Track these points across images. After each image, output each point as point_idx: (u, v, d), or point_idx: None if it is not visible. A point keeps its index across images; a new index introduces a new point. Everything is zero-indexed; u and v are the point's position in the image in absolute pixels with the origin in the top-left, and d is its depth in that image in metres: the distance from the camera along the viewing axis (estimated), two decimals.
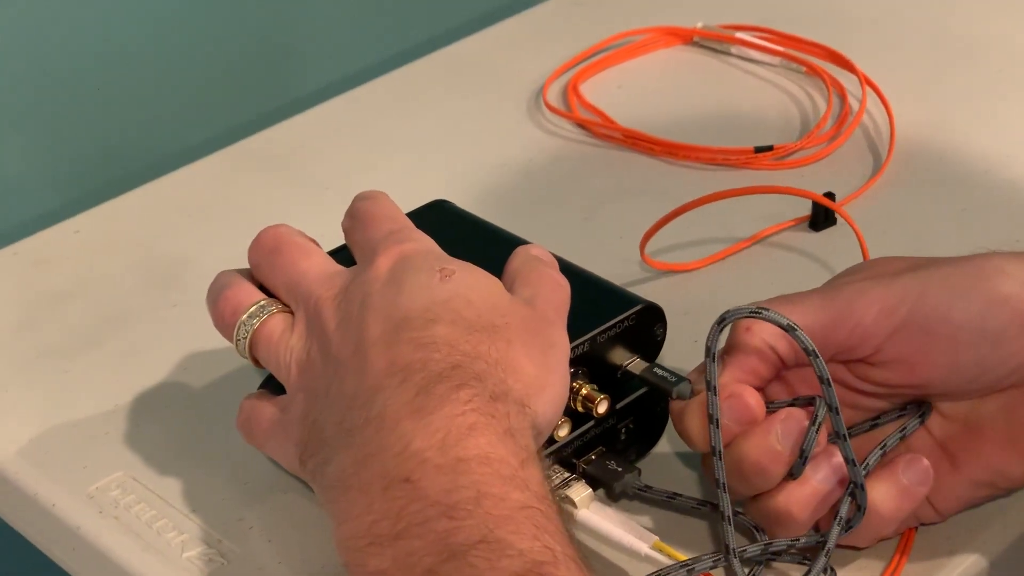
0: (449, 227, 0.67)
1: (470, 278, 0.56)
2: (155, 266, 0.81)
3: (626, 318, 0.61)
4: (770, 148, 0.85)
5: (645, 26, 0.99)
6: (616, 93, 0.94)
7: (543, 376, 0.55)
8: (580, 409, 0.60)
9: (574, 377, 0.59)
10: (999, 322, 0.55)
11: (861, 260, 0.66)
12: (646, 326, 0.62)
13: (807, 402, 0.58)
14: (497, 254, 0.64)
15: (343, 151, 0.91)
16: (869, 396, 0.59)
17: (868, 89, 0.90)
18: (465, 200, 0.70)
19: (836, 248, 0.77)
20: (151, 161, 0.93)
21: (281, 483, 0.65)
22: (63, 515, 0.65)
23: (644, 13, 1.01)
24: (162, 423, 0.69)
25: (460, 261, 0.58)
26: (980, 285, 0.56)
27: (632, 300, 0.62)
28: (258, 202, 0.87)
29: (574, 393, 0.59)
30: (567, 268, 0.62)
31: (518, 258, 0.60)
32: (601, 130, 0.90)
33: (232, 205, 0.86)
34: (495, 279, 0.58)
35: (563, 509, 0.56)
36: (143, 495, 0.65)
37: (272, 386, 0.61)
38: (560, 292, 0.58)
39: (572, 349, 0.58)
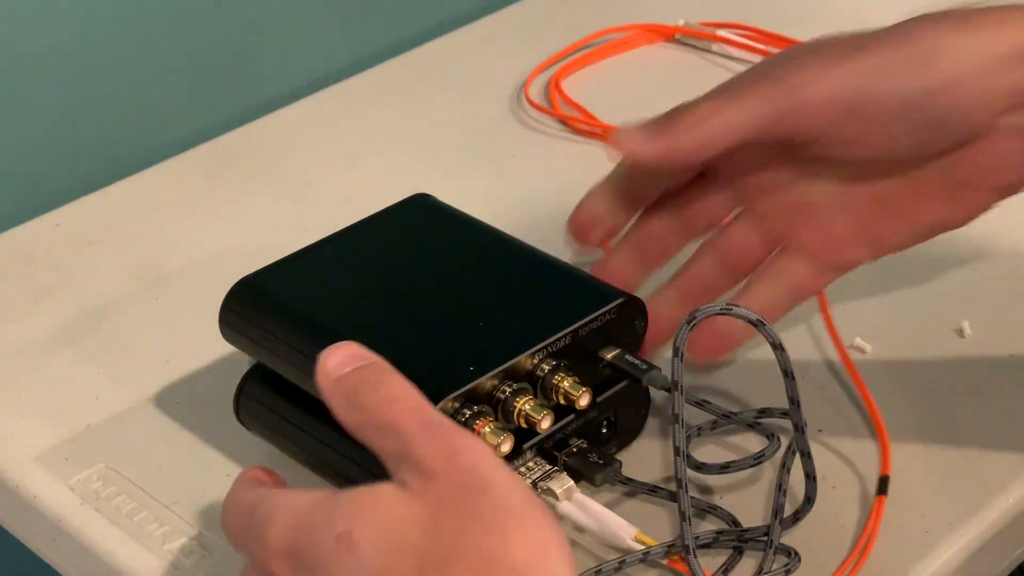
0: (430, 222, 0.68)
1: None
2: (136, 260, 0.81)
3: (607, 311, 0.61)
4: None
5: (627, 23, 0.99)
6: (598, 90, 0.94)
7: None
8: (562, 402, 0.60)
9: (555, 370, 0.59)
10: (942, 107, 0.57)
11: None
12: (627, 319, 0.62)
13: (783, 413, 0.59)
14: (480, 249, 0.64)
15: (325, 147, 0.91)
16: (808, 177, 0.61)
17: None
18: (447, 195, 0.70)
19: None
20: (132, 155, 0.93)
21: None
22: (44, 507, 0.65)
23: (626, 10, 1.01)
24: (144, 416, 0.69)
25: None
26: (923, 72, 0.57)
27: (613, 294, 0.62)
28: (240, 197, 0.87)
29: (555, 386, 0.59)
30: (546, 260, 0.63)
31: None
32: (583, 126, 0.90)
33: (213, 200, 0.86)
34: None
35: None
36: (124, 487, 0.65)
37: (256, 377, 0.62)
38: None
39: (555, 342, 0.59)
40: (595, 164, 0.87)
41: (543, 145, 0.90)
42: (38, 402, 0.71)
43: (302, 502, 0.49)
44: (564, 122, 0.91)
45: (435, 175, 0.86)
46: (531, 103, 0.93)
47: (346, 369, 0.51)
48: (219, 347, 0.73)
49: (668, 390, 0.57)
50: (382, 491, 0.48)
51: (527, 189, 0.85)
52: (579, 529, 0.60)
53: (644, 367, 0.60)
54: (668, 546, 0.58)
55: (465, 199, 0.70)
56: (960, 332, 0.71)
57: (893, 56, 0.57)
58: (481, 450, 0.48)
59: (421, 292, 0.63)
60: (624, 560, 0.58)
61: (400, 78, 0.98)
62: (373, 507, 0.48)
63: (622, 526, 0.59)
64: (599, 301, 0.61)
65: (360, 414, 0.50)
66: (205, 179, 0.88)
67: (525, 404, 0.58)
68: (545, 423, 0.59)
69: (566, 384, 0.59)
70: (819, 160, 0.60)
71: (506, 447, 0.57)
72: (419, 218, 0.67)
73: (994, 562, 0.63)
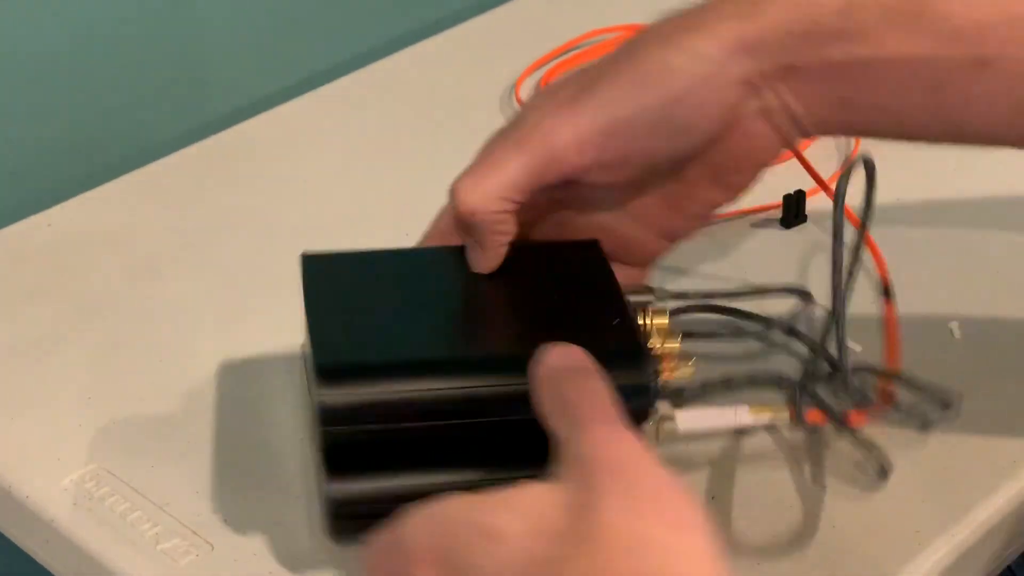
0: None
1: None
2: (129, 260, 0.81)
3: None
4: None
5: (617, 24, 1.00)
6: None
7: None
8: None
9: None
10: (682, 116, 0.60)
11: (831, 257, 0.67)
12: None
13: None
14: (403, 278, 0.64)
15: (317, 149, 0.91)
16: (591, 200, 0.65)
17: None
18: (437, 197, 0.70)
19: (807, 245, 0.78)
20: (124, 154, 0.93)
21: (255, 476, 0.65)
22: (37, 508, 0.65)
23: (615, 11, 1.02)
24: (137, 416, 0.69)
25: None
26: (656, 90, 0.60)
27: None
28: (234, 197, 0.87)
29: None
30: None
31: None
32: None
33: (206, 200, 0.86)
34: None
35: None
36: (117, 487, 0.65)
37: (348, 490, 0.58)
38: None
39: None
40: None
41: None
42: (31, 402, 0.71)
43: (437, 509, 0.48)
44: None
45: (426, 176, 0.86)
46: (521, 104, 0.93)
47: (563, 363, 0.52)
48: (211, 346, 0.73)
49: None
50: (525, 485, 0.48)
51: None
52: (701, 435, 0.64)
53: None
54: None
55: None
56: (950, 333, 0.71)
57: (625, 82, 0.60)
58: (634, 443, 0.48)
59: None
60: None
61: (390, 79, 0.98)
62: (515, 497, 0.47)
63: (735, 410, 0.63)
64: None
65: (555, 403, 0.51)
66: (198, 179, 0.88)
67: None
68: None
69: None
70: (594, 186, 0.63)
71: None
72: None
73: (984, 562, 0.63)
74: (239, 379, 0.71)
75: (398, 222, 0.70)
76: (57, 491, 0.65)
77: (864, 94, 0.59)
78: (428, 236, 0.67)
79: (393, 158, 0.90)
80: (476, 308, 0.64)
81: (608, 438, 0.48)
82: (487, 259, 0.62)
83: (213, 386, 0.71)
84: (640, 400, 0.58)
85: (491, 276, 0.63)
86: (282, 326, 0.74)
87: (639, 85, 0.60)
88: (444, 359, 0.59)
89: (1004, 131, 0.60)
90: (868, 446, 0.63)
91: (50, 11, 0.89)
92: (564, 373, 0.52)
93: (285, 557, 0.61)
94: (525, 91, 0.94)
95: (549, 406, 0.51)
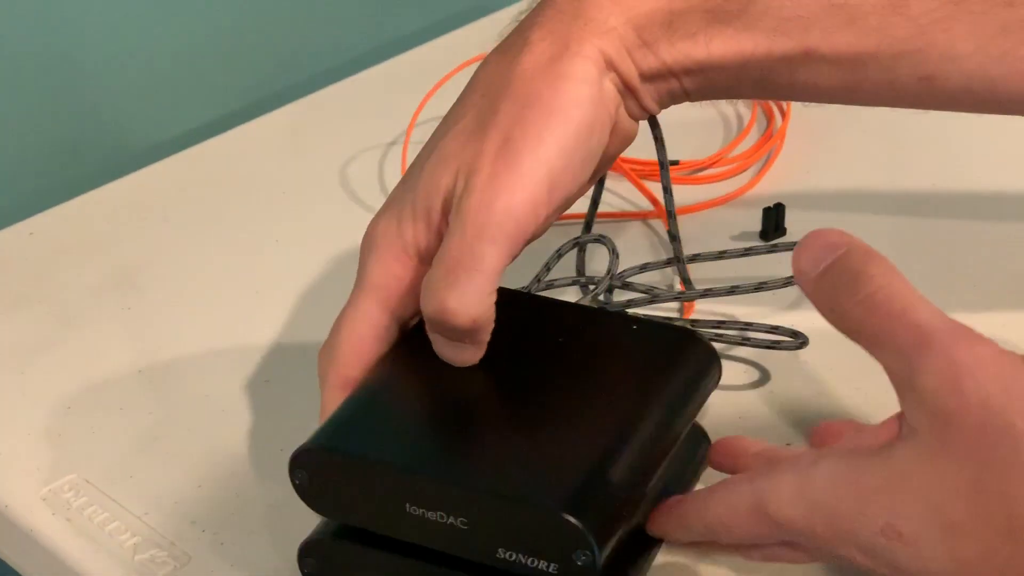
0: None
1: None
2: (110, 269, 0.81)
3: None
4: (675, 163, 0.86)
5: None
6: None
7: None
8: None
9: None
10: (596, 143, 0.60)
11: None
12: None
13: None
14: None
15: (300, 156, 0.92)
16: None
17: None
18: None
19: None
20: (105, 165, 0.93)
21: (235, 488, 0.65)
22: (15, 517, 0.65)
23: None
24: (116, 426, 0.69)
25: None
26: (570, 130, 0.59)
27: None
28: (215, 206, 0.87)
29: None
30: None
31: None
32: None
33: (188, 209, 0.87)
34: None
35: None
36: (96, 497, 0.65)
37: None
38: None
39: None
40: None
41: None
42: (10, 411, 0.71)
43: (813, 484, 0.50)
44: None
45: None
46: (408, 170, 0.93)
47: (822, 265, 0.50)
48: (191, 358, 0.74)
49: None
50: (902, 461, 0.47)
51: None
52: None
53: None
54: None
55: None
56: None
57: (541, 128, 0.58)
58: (983, 370, 0.45)
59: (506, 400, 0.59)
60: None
61: (343, 101, 0.98)
62: (904, 489, 0.46)
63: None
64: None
65: (849, 322, 0.50)
66: (180, 188, 0.89)
67: None
68: None
69: None
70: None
71: None
72: None
73: None
74: (220, 390, 0.71)
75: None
76: (35, 501, 0.65)
77: (703, 90, 0.62)
78: (342, 355, 0.60)
79: (382, 155, 0.90)
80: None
81: (951, 374, 0.45)
82: (480, 352, 0.59)
83: (193, 397, 0.71)
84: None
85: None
86: (262, 335, 0.75)
87: (555, 128, 0.58)
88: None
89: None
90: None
91: (30, 21, 0.89)
92: (828, 280, 0.50)
93: (261, 570, 0.61)
94: None
95: (846, 328, 0.50)
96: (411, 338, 0.61)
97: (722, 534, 0.54)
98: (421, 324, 0.60)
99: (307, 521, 0.61)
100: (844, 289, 0.50)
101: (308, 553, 0.57)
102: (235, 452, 0.67)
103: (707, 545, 0.57)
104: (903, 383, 0.48)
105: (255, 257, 0.82)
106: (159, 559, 0.62)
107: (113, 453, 0.68)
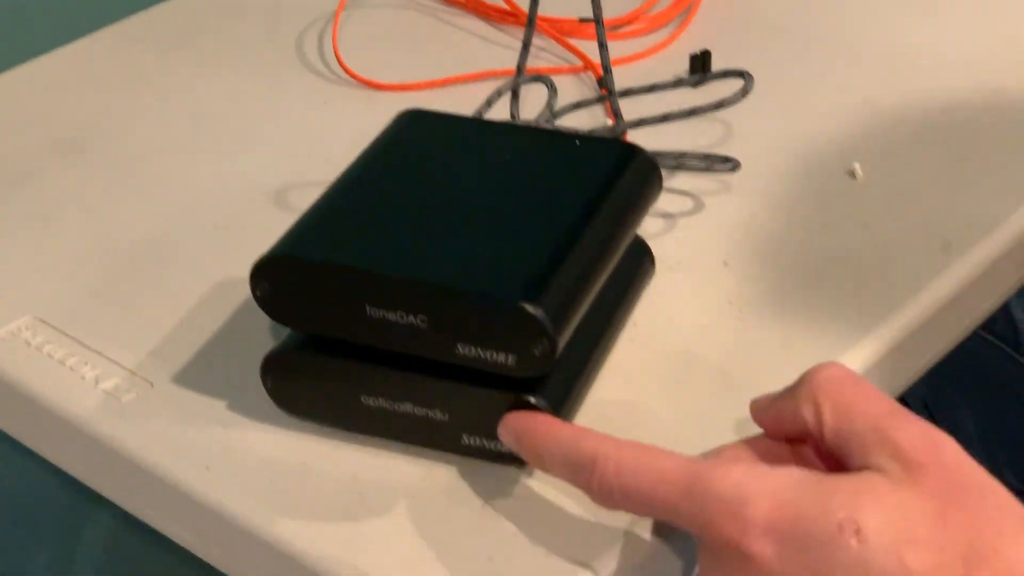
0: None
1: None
2: (51, 136, 0.82)
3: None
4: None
5: None
6: None
7: None
8: None
9: None
10: None
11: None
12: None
13: None
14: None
15: (243, 26, 0.93)
16: None
17: None
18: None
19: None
20: (47, 33, 0.93)
21: (190, 321, 0.67)
22: None
23: None
24: (68, 272, 0.71)
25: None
26: None
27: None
28: (158, 74, 0.88)
29: None
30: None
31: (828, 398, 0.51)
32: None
33: (130, 78, 0.88)
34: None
35: None
36: (53, 336, 0.66)
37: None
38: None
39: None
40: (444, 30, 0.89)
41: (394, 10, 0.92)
42: None
43: (779, 481, 0.48)
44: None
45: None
46: None
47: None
48: (139, 209, 0.75)
49: None
50: (873, 479, 0.48)
51: (378, 53, 0.88)
52: None
53: None
54: None
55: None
56: (852, 174, 0.75)
57: None
58: (956, 446, 0.48)
59: (471, 205, 0.60)
60: None
61: None
62: (874, 494, 0.47)
63: None
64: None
65: (839, 407, 0.51)
66: (126, 57, 0.90)
67: None
68: None
69: None
70: None
71: None
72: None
73: (894, 378, 0.67)
74: (169, 237, 0.73)
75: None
76: None
77: None
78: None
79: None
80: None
81: (928, 439, 0.48)
82: None
83: (143, 244, 0.72)
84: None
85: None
86: (208, 185, 0.77)
87: None
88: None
89: None
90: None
91: None
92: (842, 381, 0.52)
93: (223, 391, 0.62)
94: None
95: (833, 412, 0.51)
96: (374, 151, 0.63)
97: (615, 483, 0.51)
98: (390, 132, 0.62)
99: (266, 343, 0.63)
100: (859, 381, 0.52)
101: (270, 367, 0.59)
102: (188, 292, 0.68)
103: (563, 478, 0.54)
104: (874, 442, 0.49)
105: (194, 116, 0.83)
106: (123, 387, 0.63)
107: (68, 296, 0.69)
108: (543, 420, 0.54)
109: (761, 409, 0.55)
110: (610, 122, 0.77)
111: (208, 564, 0.61)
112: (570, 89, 0.83)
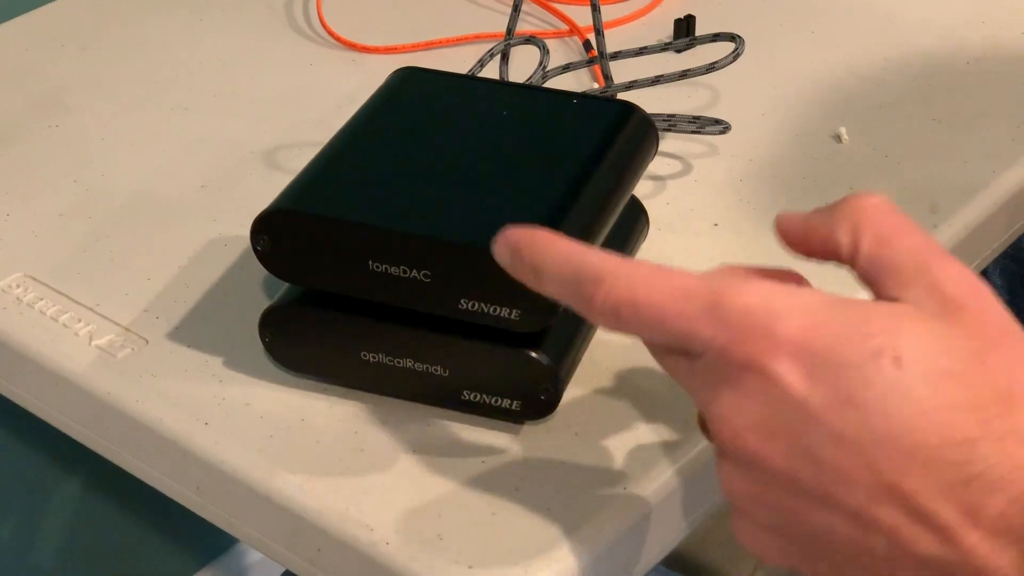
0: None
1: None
2: (33, 94, 0.81)
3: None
4: None
5: None
6: None
7: None
8: None
9: None
10: None
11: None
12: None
13: None
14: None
15: None
16: None
17: None
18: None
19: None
20: None
21: (182, 277, 0.66)
22: None
23: None
24: (57, 229, 0.70)
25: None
26: None
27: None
28: (133, 34, 0.87)
29: None
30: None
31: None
32: None
33: (106, 36, 0.87)
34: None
35: None
36: (45, 293, 0.66)
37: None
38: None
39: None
40: None
41: None
42: None
43: (813, 302, 0.45)
44: None
45: None
46: None
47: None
48: (125, 166, 0.75)
49: None
50: (910, 309, 0.45)
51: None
52: None
53: None
54: None
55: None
56: (838, 138, 0.75)
57: None
58: (993, 294, 0.46)
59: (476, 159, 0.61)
60: None
61: None
62: (913, 323, 0.44)
63: None
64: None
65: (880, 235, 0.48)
66: (99, 17, 0.89)
67: None
68: None
69: None
70: None
71: None
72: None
73: None
74: (156, 195, 0.73)
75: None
76: None
77: None
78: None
79: None
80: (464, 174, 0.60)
81: (968, 281, 0.46)
82: None
83: (131, 201, 0.72)
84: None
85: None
86: (191, 145, 0.76)
87: None
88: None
89: None
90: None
91: None
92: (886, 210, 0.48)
93: (219, 347, 0.62)
94: None
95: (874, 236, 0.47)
96: (371, 107, 0.63)
97: (625, 296, 0.47)
98: (387, 90, 0.62)
99: (260, 300, 0.63)
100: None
101: (269, 321, 0.59)
102: (178, 249, 0.68)
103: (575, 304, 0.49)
104: (909, 272, 0.47)
105: (179, 74, 0.83)
106: (117, 343, 0.63)
107: (58, 253, 0.69)
108: (545, 233, 0.49)
109: (790, 224, 0.50)
110: (598, 85, 0.77)
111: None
112: (556, 53, 0.83)
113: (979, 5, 0.87)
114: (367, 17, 0.88)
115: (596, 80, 0.79)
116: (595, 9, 0.73)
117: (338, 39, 0.85)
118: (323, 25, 0.86)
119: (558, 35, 0.86)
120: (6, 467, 1.08)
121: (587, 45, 0.82)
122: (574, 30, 0.85)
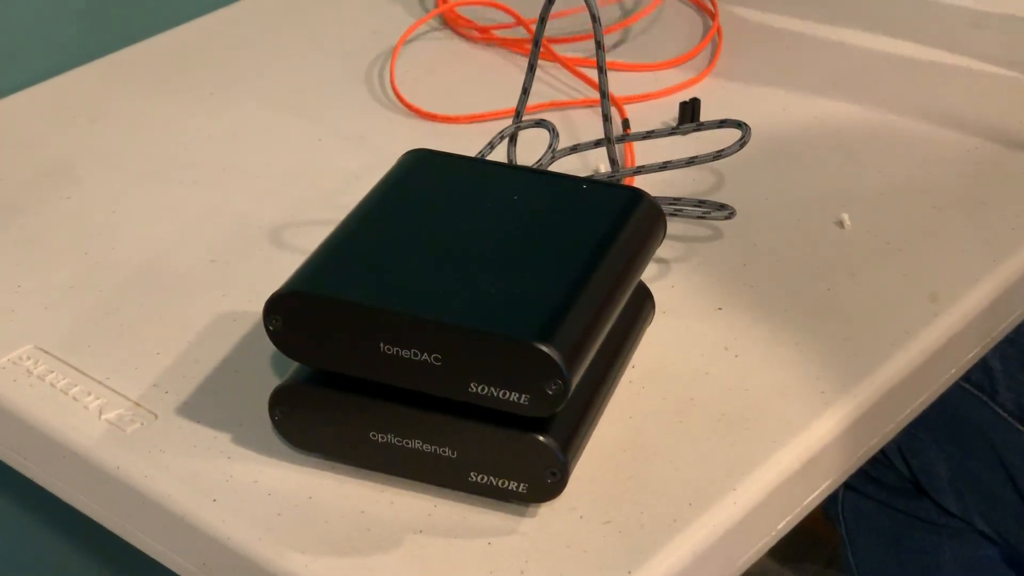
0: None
1: None
2: (44, 165, 0.82)
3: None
4: None
5: None
6: None
7: None
8: None
9: None
10: None
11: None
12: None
13: None
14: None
15: (229, 59, 0.93)
16: None
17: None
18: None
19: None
20: (35, 65, 0.94)
21: (191, 352, 0.67)
22: None
23: None
24: (68, 302, 0.71)
25: None
26: None
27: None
28: (144, 107, 0.88)
29: None
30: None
31: None
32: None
33: (117, 109, 0.88)
34: None
35: None
36: (55, 365, 0.67)
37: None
38: None
39: None
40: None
41: (424, 43, 0.93)
42: None
43: None
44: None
45: (339, 62, 0.89)
46: None
47: None
48: (136, 240, 0.75)
49: None
50: None
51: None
52: None
53: None
54: None
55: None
56: (841, 224, 0.76)
57: None
58: None
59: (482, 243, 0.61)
60: None
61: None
62: None
63: None
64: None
65: None
66: (107, 90, 0.90)
67: None
68: None
69: None
70: None
71: None
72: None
73: (883, 425, 0.68)
74: (167, 268, 0.73)
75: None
76: None
77: None
78: None
79: (304, 61, 0.92)
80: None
81: None
82: None
83: (141, 275, 0.73)
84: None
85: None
86: (202, 219, 0.77)
87: None
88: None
89: None
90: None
91: None
92: None
93: (228, 424, 0.63)
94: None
95: None
96: (382, 189, 0.64)
97: None
98: (399, 172, 0.63)
99: (269, 377, 0.64)
100: None
101: (279, 399, 0.60)
102: (188, 323, 0.69)
103: None
104: None
105: (189, 148, 0.84)
106: (126, 418, 0.64)
107: (68, 326, 0.69)
108: None
109: None
110: (602, 168, 0.78)
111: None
112: (585, 119, 0.85)
113: (978, 93, 0.88)
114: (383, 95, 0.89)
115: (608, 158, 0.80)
116: (604, 95, 0.74)
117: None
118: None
119: (586, 103, 0.87)
120: (10, 537, 1.07)
121: (625, 123, 0.84)
122: (583, 101, 0.87)
